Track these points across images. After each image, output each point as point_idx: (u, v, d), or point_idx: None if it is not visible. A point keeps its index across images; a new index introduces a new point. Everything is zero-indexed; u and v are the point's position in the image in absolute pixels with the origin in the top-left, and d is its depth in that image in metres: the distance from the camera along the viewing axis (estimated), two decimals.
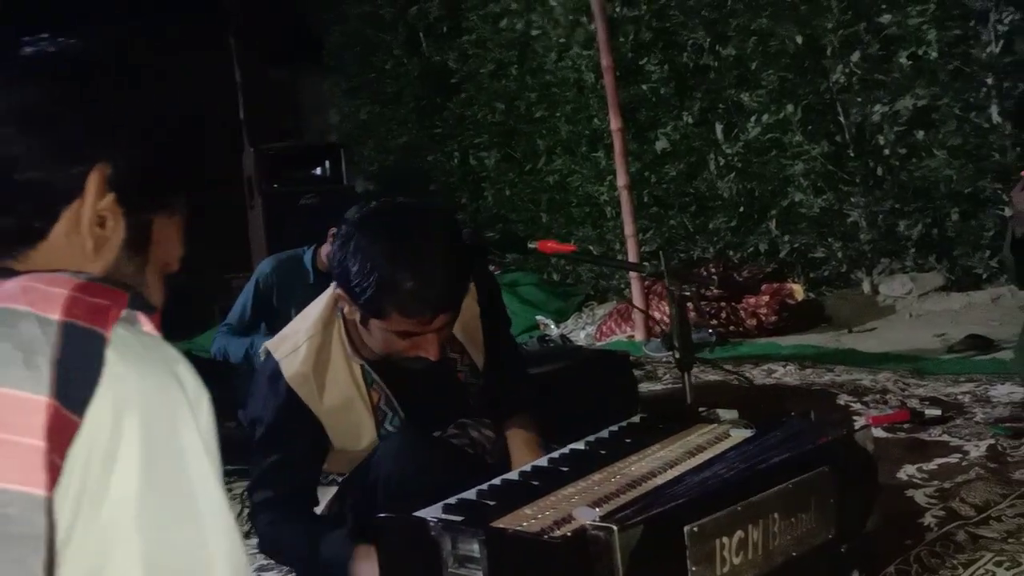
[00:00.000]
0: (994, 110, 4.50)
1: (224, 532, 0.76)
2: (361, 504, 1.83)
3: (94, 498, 0.70)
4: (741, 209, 5.49)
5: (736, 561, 1.39)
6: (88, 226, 0.84)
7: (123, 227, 0.87)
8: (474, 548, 1.32)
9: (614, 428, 1.88)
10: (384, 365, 1.89)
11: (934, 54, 4.63)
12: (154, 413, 0.73)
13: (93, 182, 0.84)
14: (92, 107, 0.87)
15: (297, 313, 3.92)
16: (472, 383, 2.03)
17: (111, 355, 0.72)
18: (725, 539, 1.38)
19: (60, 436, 0.69)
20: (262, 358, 1.94)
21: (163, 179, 0.92)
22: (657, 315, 4.87)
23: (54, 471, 0.68)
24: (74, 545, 0.69)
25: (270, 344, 1.92)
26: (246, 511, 2.82)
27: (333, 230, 3.67)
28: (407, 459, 1.78)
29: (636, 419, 1.94)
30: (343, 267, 1.76)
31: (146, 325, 0.79)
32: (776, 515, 1.46)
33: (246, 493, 1.95)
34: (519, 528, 1.35)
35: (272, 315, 3.75)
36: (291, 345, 1.88)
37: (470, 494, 1.55)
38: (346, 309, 1.84)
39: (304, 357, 1.84)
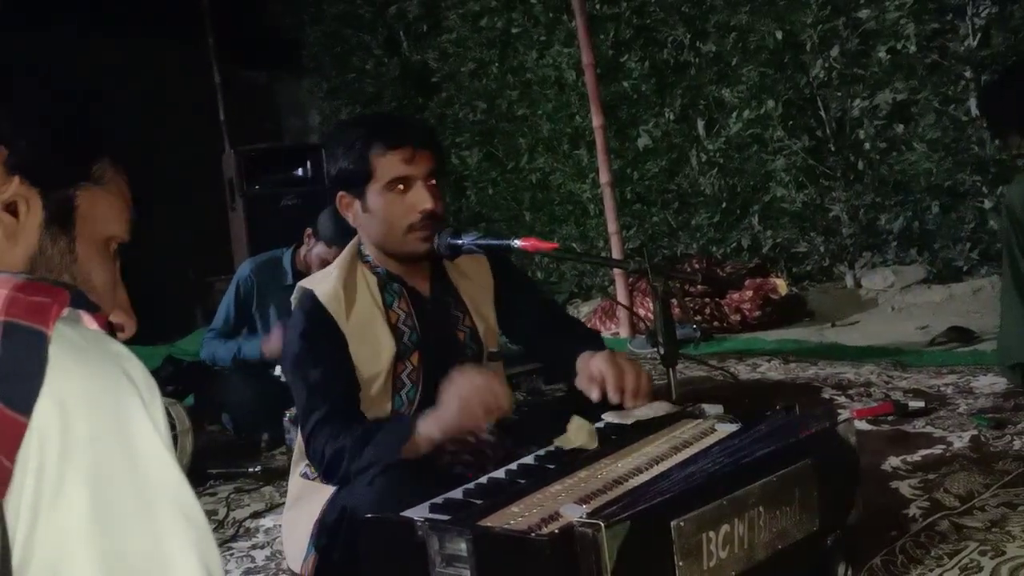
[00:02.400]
0: (972, 103, 4.53)
1: (185, 527, 0.73)
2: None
3: (52, 500, 0.68)
4: (723, 205, 5.50)
5: (722, 555, 1.40)
6: None
7: (40, 207, 0.84)
8: (461, 547, 1.32)
9: (600, 424, 1.88)
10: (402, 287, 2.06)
11: (912, 48, 4.66)
12: (103, 408, 0.71)
13: None
14: None
15: (278, 314, 3.89)
16: (469, 346, 2.10)
17: (54, 352, 0.70)
18: (711, 533, 1.38)
19: (6, 438, 0.67)
20: (296, 297, 2.08)
21: (71, 151, 0.89)
22: (641, 312, 4.87)
23: (4, 475, 0.67)
24: (36, 549, 0.68)
25: (304, 281, 2.09)
26: (232, 513, 2.81)
27: (309, 230, 3.66)
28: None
29: None
30: (333, 164, 2.01)
31: (90, 323, 0.76)
32: (761, 508, 1.46)
33: (303, 436, 1.92)
34: (506, 526, 1.35)
35: (254, 317, 3.73)
36: (323, 275, 2.08)
37: (456, 493, 1.54)
38: (351, 214, 2.03)
39: (335, 279, 2.02)
